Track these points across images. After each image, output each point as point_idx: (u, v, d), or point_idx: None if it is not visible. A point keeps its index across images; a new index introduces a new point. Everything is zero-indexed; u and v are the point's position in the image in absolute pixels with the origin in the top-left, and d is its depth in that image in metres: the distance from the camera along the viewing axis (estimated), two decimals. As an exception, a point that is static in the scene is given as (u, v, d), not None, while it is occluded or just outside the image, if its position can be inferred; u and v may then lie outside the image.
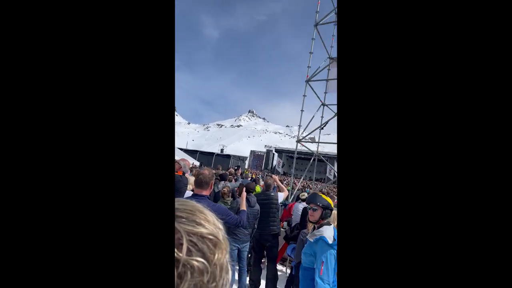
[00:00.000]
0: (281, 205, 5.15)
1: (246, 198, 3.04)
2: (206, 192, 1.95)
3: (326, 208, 2.01)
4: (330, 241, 1.76)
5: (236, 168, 6.88)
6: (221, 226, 0.49)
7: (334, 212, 2.66)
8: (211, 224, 0.46)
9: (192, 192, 2.33)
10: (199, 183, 1.93)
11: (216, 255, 0.43)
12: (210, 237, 0.44)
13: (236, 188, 3.79)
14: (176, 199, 0.57)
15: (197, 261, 0.40)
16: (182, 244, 0.42)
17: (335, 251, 1.76)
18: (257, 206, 3.23)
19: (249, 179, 8.47)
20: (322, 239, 1.78)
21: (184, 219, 0.47)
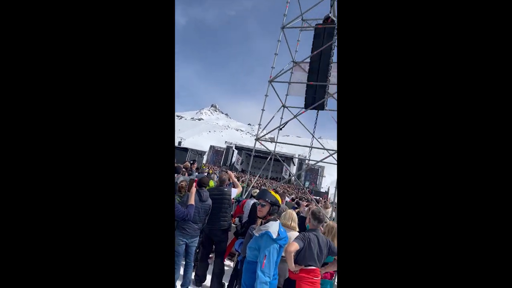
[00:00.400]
0: (235, 201, 5.18)
1: (198, 192, 2.98)
2: None
3: (274, 204, 2.09)
4: (274, 236, 1.84)
5: (192, 162, 6.70)
6: None
7: (291, 211, 2.77)
8: None
9: None
10: None
11: None
12: None
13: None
14: None
15: None
16: None
17: (278, 246, 1.84)
18: (209, 201, 3.19)
19: (205, 174, 8.32)
20: (267, 233, 1.85)
21: None
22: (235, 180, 4.01)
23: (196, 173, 6.13)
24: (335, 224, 2.92)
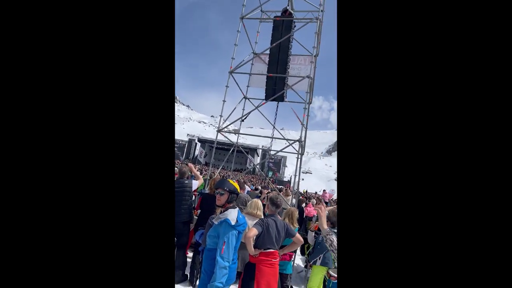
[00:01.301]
0: (198, 194, 5.13)
1: None
2: None
3: (233, 192, 2.14)
4: (233, 222, 1.90)
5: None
6: None
7: (256, 200, 2.85)
8: None
9: None
10: None
11: None
12: None
13: None
14: None
15: None
16: None
17: (237, 232, 1.91)
18: None
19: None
20: (226, 221, 1.90)
21: None
22: (196, 172, 3.97)
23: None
24: (294, 210, 3.10)
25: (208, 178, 6.46)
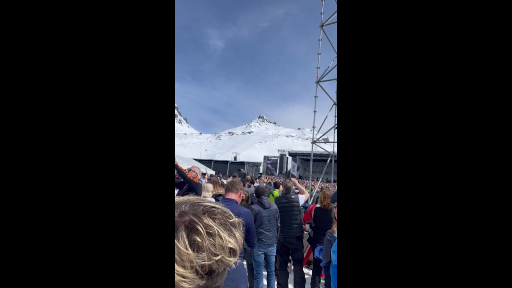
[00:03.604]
0: (302, 208, 5.12)
1: (259, 201, 3.09)
2: (235, 196, 2.03)
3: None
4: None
5: (244, 174, 6.93)
6: (241, 242, 0.53)
7: None
8: (238, 240, 0.51)
9: (213, 199, 2.41)
10: (229, 188, 2.04)
11: (227, 259, 0.49)
12: (231, 246, 0.49)
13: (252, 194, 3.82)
14: (216, 203, 0.57)
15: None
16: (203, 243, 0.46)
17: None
18: (274, 206, 3.23)
19: (264, 184, 8.46)
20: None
21: (221, 224, 0.50)
22: (300, 186, 3.98)
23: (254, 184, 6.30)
24: (328, 191, 2.88)
25: (309, 191, 6.39)
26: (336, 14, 6.65)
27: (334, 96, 7.01)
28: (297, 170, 35.60)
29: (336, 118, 6.78)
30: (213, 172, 14.06)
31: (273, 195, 4.87)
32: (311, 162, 6.42)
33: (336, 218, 2.07)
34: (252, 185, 5.63)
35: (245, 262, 3.51)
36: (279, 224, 3.25)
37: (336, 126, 6.47)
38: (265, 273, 3.19)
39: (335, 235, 2.00)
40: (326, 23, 6.35)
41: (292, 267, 3.52)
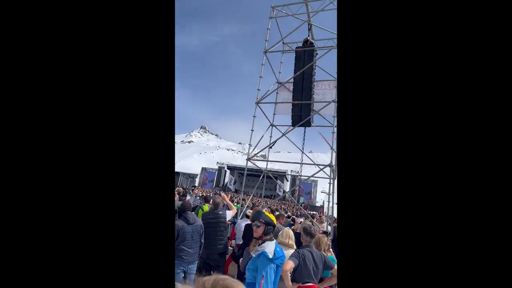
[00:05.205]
0: (231, 223, 5.16)
1: (183, 217, 3.02)
2: None
3: (269, 224, 2.17)
4: (271, 255, 1.91)
5: (193, 187, 6.67)
6: None
7: (287, 229, 2.84)
8: None
9: None
10: None
11: None
12: None
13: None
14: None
15: None
16: None
17: (275, 265, 1.91)
18: (199, 222, 3.21)
19: (198, 197, 8.25)
20: (263, 254, 1.92)
21: None
22: (229, 202, 4.06)
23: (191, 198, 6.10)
24: (322, 236, 2.95)
25: (239, 206, 6.52)
26: (279, 44, 7.28)
27: (271, 117, 7.49)
28: (234, 183, 35.75)
29: (271, 138, 7.23)
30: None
31: (202, 209, 4.80)
32: (245, 177, 6.62)
33: (255, 236, 2.19)
34: (185, 198, 5.43)
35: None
36: (202, 241, 3.22)
37: (271, 145, 6.89)
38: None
39: (251, 253, 2.11)
40: (269, 50, 6.88)
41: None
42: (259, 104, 6.51)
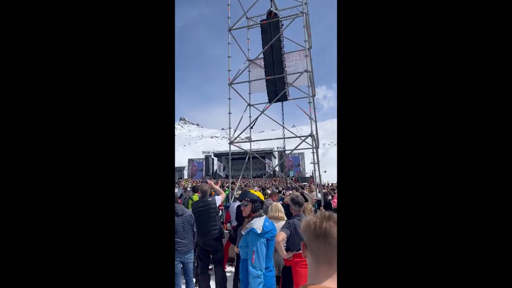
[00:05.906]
0: (224, 207, 5.20)
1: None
2: None
3: (255, 201, 2.18)
4: (259, 231, 1.93)
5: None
6: None
7: (275, 204, 2.87)
8: None
9: None
10: None
11: None
12: None
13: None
14: None
15: None
16: None
17: (265, 239, 1.95)
18: (188, 212, 3.21)
19: (187, 188, 8.20)
20: (252, 230, 1.94)
21: None
22: (216, 187, 4.05)
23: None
24: (307, 204, 3.03)
25: (229, 190, 6.56)
26: (243, 19, 6.99)
27: (247, 97, 7.37)
28: (223, 170, 35.88)
29: (250, 118, 7.16)
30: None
31: (192, 199, 4.78)
32: (230, 162, 6.60)
33: (245, 215, 2.21)
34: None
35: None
36: (195, 230, 3.22)
37: (251, 125, 6.84)
38: (183, 280, 3.11)
39: (242, 231, 2.13)
40: (234, 27, 6.60)
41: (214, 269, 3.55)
42: (232, 85, 6.35)
